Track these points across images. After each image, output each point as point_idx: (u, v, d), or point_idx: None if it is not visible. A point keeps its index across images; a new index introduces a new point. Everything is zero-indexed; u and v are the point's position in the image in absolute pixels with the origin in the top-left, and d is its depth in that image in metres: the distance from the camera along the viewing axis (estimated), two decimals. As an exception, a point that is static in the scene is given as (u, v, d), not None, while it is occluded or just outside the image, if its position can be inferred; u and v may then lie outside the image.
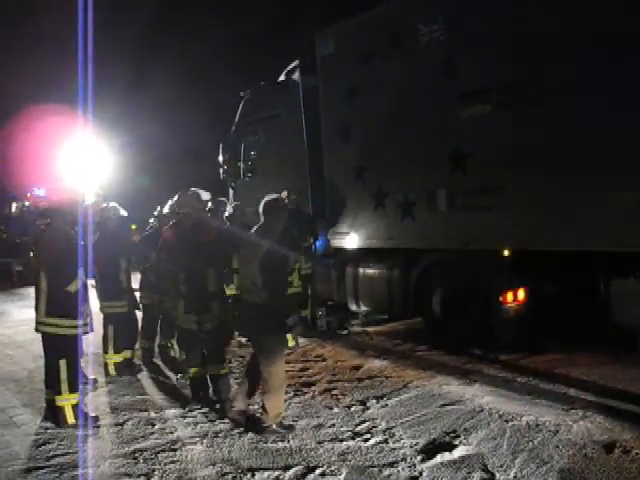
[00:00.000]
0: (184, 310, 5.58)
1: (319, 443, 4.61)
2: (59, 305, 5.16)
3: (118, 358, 6.79)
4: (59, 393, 5.16)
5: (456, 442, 4.48)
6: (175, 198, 6.79)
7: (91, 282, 6.58)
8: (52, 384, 5.23)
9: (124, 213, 7.08)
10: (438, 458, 4.23)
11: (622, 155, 5.45)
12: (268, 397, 4.85)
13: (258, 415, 5.05)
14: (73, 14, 13.80)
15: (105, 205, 7.11)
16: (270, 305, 4.77)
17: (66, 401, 5.16)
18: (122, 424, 5.19)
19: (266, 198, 5.15)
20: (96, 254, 6.31)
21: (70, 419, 5.15)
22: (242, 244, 5.27)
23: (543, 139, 6.01)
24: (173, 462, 4.37)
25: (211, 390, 5.74)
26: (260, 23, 23.02)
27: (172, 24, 26.27)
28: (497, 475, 3.93)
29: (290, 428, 4.91)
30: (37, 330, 5.30)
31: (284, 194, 7.78)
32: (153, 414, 5.42)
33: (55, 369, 5.18)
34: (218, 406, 5.51)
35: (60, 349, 5.21)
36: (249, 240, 5.15)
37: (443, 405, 5.34)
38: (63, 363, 5.15)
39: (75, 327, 5.19)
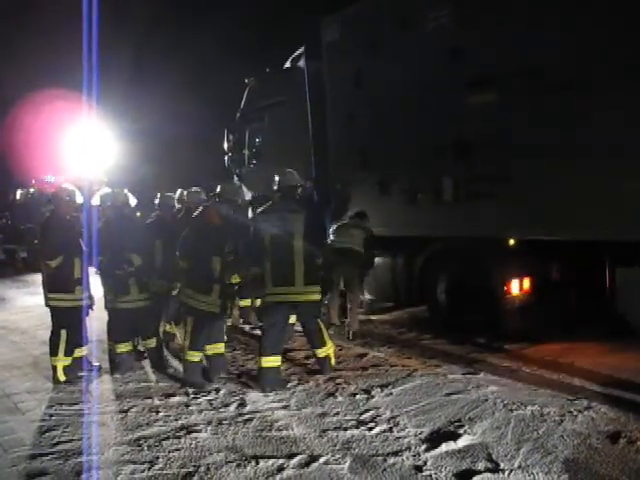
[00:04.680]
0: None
1: (323, 431, 4.60)
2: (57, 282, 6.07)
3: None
4: (56, 354, 6.04)
5: (460, 431, 4.46)
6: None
7: (94, 270, 6.57)
8: (53, 347, 6.09)
9: (133, 201, 7.03)
10: (442, 447, 4.21)
11: (630, 142, 5.40)
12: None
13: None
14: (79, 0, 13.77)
15: (111, 191, 7.09)
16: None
17: (60, 362, 6.02)
18: (126, 411, 5.19)
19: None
20: (101, 241, 6.31)
21: (61, 377, 6.04)
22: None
23: (549, 128, 5.96)
24: (177, 449, 4.37)
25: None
26: (264, 9, 22.87)
27: (177, 11, 26.11)
28: (501, 464, 3.92)
29: None
30: (46, 304, 6.17)
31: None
32: (157, 401, 5.43)
33: (57, 335, 6.06)
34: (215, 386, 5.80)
35: (61, 320, 6.08)
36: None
37: (448, 394, 5.33)
38: (64, 331, 6.04)
39: (73, 300, 6.10)
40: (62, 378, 6.03)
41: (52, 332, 6.10)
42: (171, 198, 7.92)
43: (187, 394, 5.59)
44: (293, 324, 6.86)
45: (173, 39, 24.06)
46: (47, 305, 6.14)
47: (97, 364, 6.50)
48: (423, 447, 4.25)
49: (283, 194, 6.09)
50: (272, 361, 5.69)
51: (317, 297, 6.01)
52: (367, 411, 4.99)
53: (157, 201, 7.87)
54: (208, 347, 6.01)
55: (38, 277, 6.74)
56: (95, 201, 7.31)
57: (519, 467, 3.87)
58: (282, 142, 9.41)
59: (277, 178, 6.16)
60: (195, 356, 5.86)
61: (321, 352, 6.02)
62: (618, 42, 5.41)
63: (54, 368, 6.05)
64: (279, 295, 5.81)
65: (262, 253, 5.84)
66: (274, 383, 5.64)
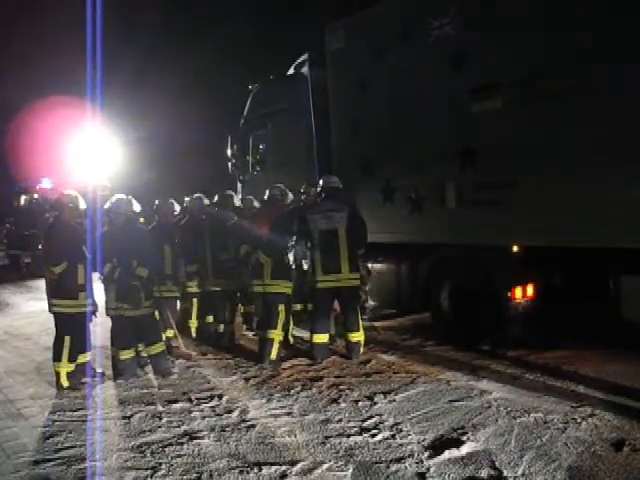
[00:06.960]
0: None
1: (326, 438, 4.60)
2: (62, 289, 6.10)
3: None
4: (59, 360, 6.04)
5: (464, 438, 4.46)
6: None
7: (98, 276, 6.57)
8: (56, 353, 6.10)
9: (137, 207, 7.01)
10: (446, 454, 4.21)
11: (634, 147, 5.39)
12: None
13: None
14: (83, 7, 13.85)
15: (117, 197, 7.09)
16: None
17: (64, 368, 6.05)
18: (129, 417, 5.20)
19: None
20: (105, 248, 6.31)
21: (65, 383, 6.06)
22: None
23: (553, 134, 5.96)
24: (180, 456, 4.38)
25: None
26: (267, 16, 22.97)
27: (180, 19, 26.24)
28: (505, 472, 3.91)
29: None
30: (50, 311, 6.20)
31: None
32: (160, 407, 5.43)
33: (61, 341, 6.05)
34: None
35: (64, 326, 6.09)
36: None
37: (451, 401, 5.32)
38: (67, 338, 6.04)
39: (77, 306, 6.12)
40: (65, 384, 6.04)
41: (56, 338, 6.11)
42: (171, 204, 7.96)
43: (190, 400, 5.59)
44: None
45: (176, 46, 24.16)
46: (51, 311, 6.15)
47: (100, 370, 6.51)
48: (426, 454, 4.24)
49: (327, 194, 7.09)
50: (322, 337, 6.83)
51: (358, 283, 7.00)
52: (370, 418, 4.98)
53: (155, 207, 7.92)
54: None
55: (42, 283, 6.76)
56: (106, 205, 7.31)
57: (522, 474, 3.87)
58: (285, 149, 9.43)
59: (321, 181, 7.24)
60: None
61: (354, 336, 6.81)
62: (618, 44, 5.42)
63: (57, 374, 6.06)
64: (327, 282, 6.75)
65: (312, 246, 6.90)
66: (325, 354, 6.83)
